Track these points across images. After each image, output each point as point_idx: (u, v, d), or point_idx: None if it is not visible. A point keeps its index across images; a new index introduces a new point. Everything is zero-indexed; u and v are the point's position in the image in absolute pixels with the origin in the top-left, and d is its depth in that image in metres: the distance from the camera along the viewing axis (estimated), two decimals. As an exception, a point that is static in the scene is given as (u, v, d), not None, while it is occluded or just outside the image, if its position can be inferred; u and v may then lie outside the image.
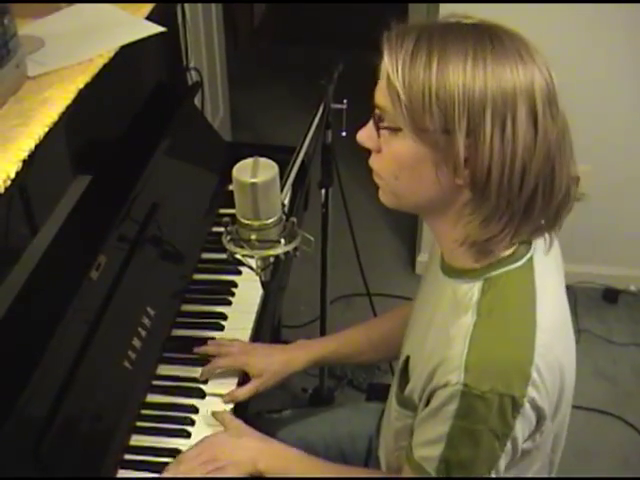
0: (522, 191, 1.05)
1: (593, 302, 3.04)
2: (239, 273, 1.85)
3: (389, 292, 2.90)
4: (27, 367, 1.24)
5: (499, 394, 1.06)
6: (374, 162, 1.16)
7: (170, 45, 2.12)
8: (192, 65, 2.38)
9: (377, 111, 1.11)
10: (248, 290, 1.81)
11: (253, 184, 1.17)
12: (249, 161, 1.19)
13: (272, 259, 1.26)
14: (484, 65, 1.02)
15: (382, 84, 1.09)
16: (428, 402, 1.16)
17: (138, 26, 1.62)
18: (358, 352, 1.66)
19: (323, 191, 2.01)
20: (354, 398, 2.64)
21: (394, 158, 1.11)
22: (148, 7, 1.74)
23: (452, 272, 1.20)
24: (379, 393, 1.40)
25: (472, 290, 1.14)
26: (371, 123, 1.14)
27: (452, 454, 1.13)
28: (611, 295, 3.06)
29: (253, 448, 1.42)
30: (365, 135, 1.15)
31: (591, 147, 2.76)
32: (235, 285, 1.82)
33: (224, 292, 1.80)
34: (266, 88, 4.39)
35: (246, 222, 1.21)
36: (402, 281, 3.13)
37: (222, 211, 2.00)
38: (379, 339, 1.62)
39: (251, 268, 1.26)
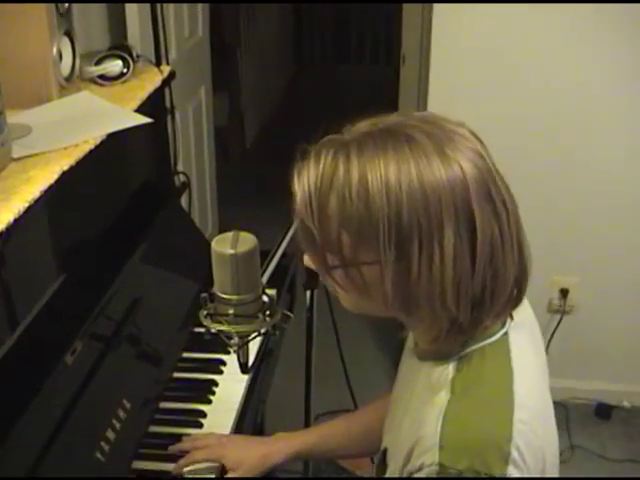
0: (462, 307, 1.01)
1: (586, 418, 2.96)
2: (220, 373, 1.81)
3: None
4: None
5: (477, 472, 0.99)
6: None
7: (159, 148, 2.14)
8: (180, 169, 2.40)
9: None
10: (229, 389, 1.77)
11: (233, 255, 1.14)
12: (229, 234, 1.18)
13: (250, 336, 1.23)
14: (409, 182, 0.96)
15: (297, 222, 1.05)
16: None
17: (126, 116, 1.63)
18: (339, 446, 1.58)
19: (308, 293, 1.97)
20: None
21: None
22: (136, 102, 1.76)
23: (426, 355, 1.14)
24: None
25: (447, 370, 1.08)
26: None
27: None
28: (604, 411, 2.98)
29: None
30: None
31: (580, 260, 2.77)
32: (216, 384, 1.78)
33: (204, 390, 1.75)
34: (257, 208, 4.40)
35: (225, 296, 1.18)
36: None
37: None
38: (359, 431, 1.55)
39: (228, 345, 1.22)
